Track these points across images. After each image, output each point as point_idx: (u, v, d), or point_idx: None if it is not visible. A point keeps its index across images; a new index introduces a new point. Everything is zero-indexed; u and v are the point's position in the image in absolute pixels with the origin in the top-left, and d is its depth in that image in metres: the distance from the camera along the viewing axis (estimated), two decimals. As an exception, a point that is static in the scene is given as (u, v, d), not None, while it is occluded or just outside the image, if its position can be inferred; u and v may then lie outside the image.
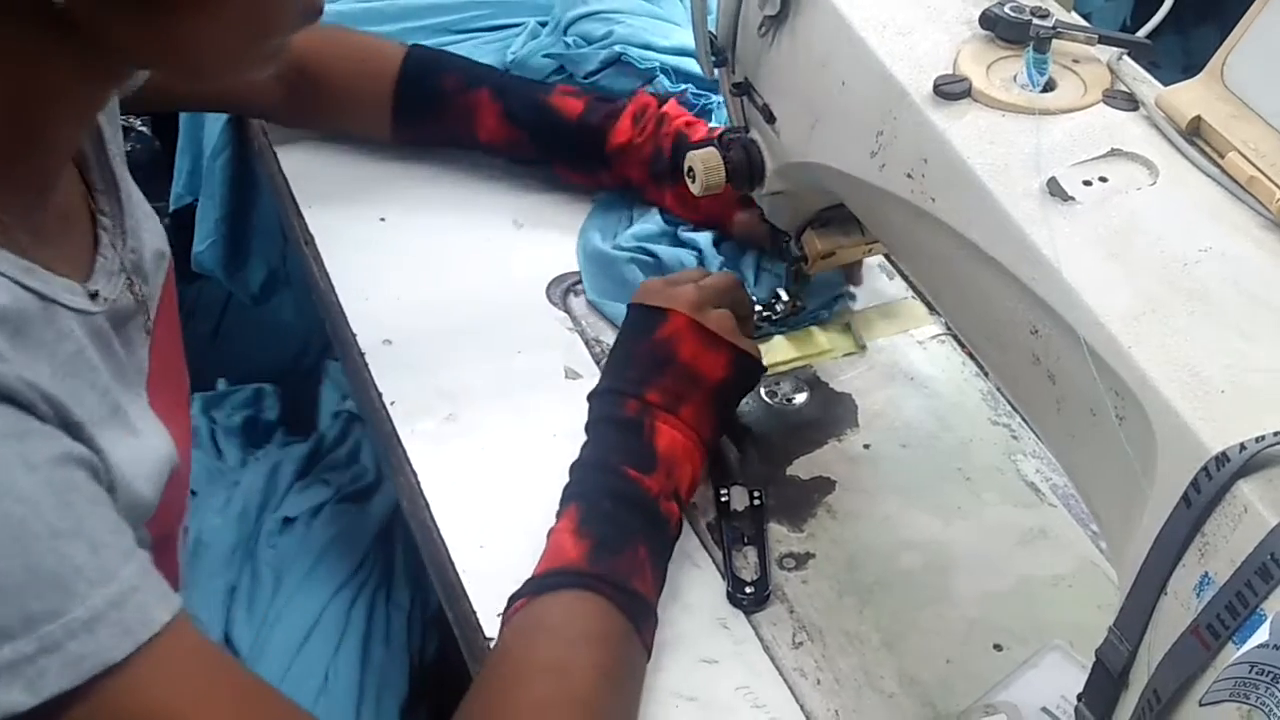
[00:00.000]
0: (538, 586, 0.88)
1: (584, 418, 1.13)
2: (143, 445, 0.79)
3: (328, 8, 1.53)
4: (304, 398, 1.48)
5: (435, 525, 1.04)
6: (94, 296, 0.79)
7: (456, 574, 1.00)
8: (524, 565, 1.00)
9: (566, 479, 0.97)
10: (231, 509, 1.24)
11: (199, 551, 1.20)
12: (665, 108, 1.24)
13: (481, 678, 0.85)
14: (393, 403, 1.13)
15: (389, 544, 1.24)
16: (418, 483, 1.07)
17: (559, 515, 0.94)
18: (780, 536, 1.03)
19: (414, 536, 1.09)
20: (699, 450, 0.98)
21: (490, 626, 0.96)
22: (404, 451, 1.09)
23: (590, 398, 1.02)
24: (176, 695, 0.69)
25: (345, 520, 1.24)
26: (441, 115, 1.25)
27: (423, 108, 1.24)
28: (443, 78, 1.24)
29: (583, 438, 1.11)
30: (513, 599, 0.89)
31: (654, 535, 0.93)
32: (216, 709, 0.71)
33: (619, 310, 1.14)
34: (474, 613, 0.97)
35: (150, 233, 0.92)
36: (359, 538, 1.22)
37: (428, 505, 1.05)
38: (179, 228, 1.74)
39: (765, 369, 1.07)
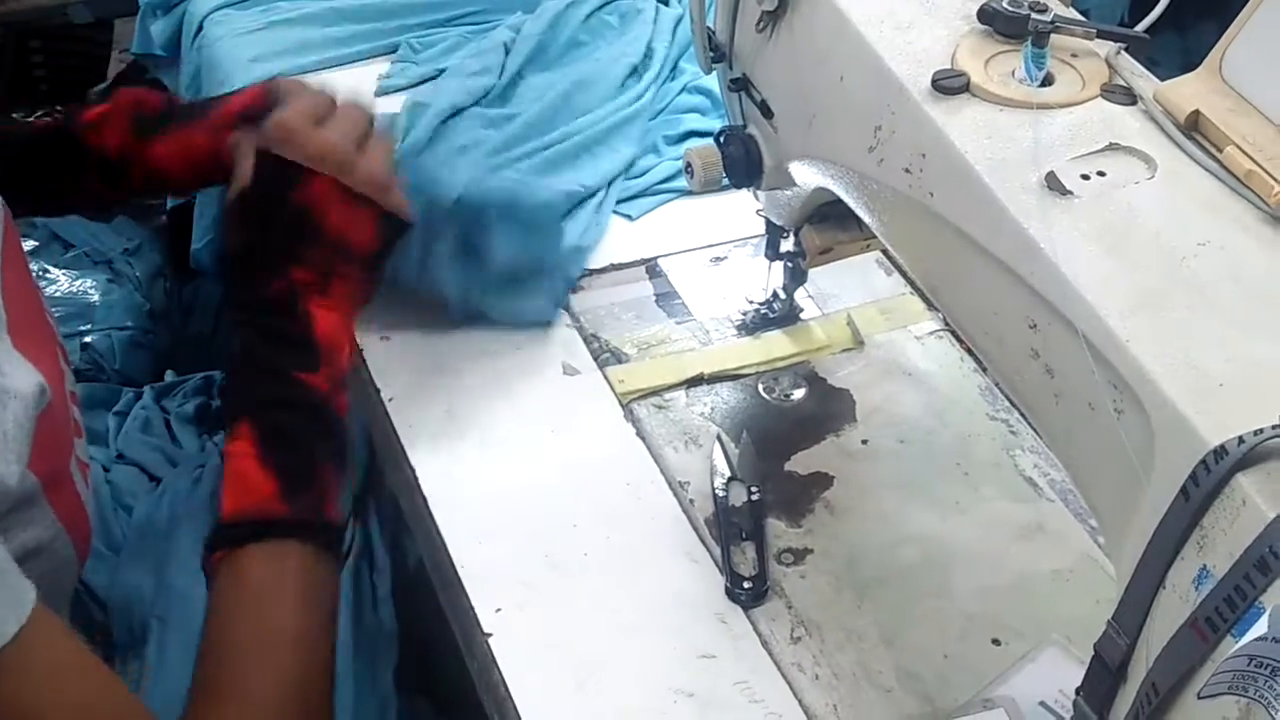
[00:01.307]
0: (236, 536, 0.84)
1: (582, 415, 1.13)
2: (5, 383, 0.78)
3: (328, 4, 1.54)
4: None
5: (433, 521, 1.04)
6: None
7: (455, 569, 1.00)
8: (522, 560, 1.00)
9: (232, 377, 0.91)
10: (201, 490, 1.24)
11: (174, 534, 1.20)
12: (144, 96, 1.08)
13: (201, 655, 0.82)
14: (390, 399, 1.13)
15: (364, 512, 1.24)
16: (415, 479, 1.07)
17: (230, 428, 0.86)
18: (779, 532, 1.03)
19: (387, 505, 1.10)
20: (351, 323, 0.92)
21: (488, 621, 0.96)
22: (401, 447, 1.09)
23: (222, 260, 0.92)
24: (30, 694, 0.70)
25: None
26: None
27: None
28: None
29: (581, 433, 1.12)
30: (211, 545, 0.84)
31: (333, 444, 0.88)
32: (68, 707, 0.72)
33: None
34: (472, 609, 0.97)
35: None
36: None
37: (425, 501, 1.05)
38: (175, 226, 1.74)
39: (412, 225, 0.96)
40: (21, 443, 0.77)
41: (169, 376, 1.52)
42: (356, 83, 1.45)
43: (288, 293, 0.89)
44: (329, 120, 0.94)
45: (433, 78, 1.45)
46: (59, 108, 2.12)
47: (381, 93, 1.46)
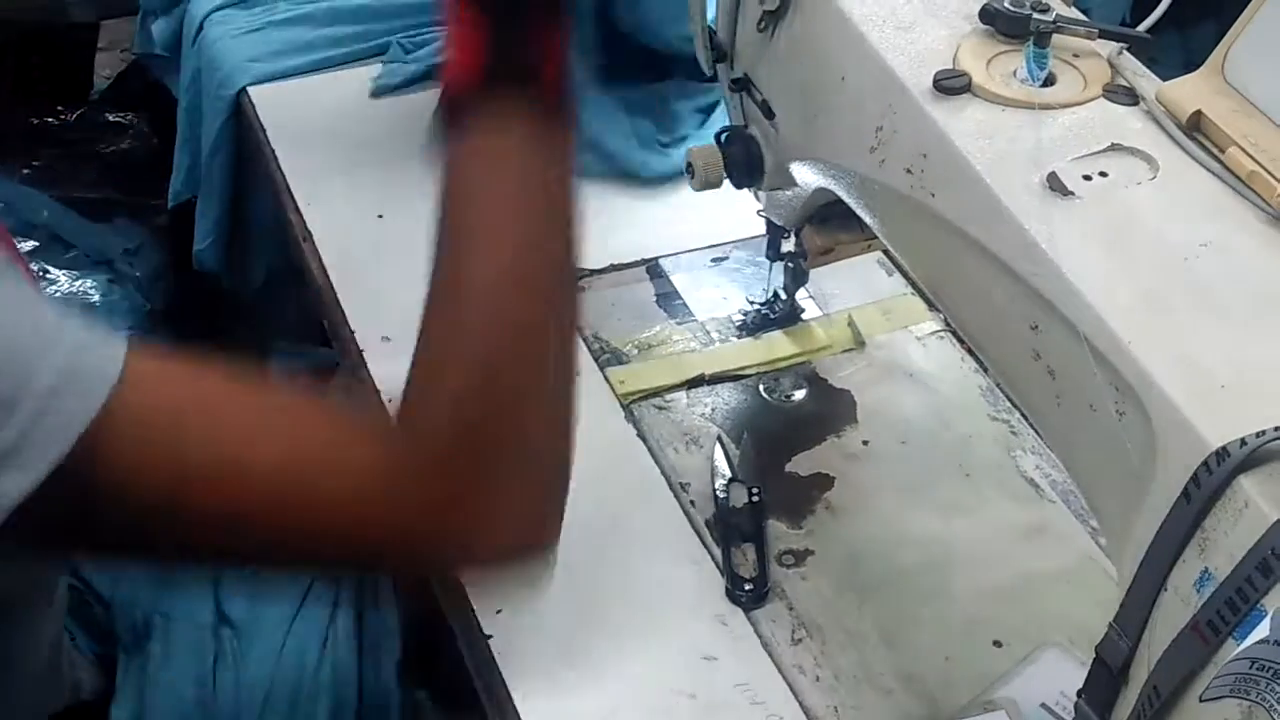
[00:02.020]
0: (462, 111, 0.75)
1: (582, 415, 1.12)
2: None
3: (327, 4, 1.54)
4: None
5: (434, 522, 1.03)
6: None
7: (455, 571, 1.00)
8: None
9: None
10: None
11: None
12: None
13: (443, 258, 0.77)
14: (390, 400, 1.13)
15: None
16: (416, 479, 1.06)
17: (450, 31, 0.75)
18: (779, 533, 1.03)
19: None
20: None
21: (488, 623, 0.96)
22: (402, 448, 1.09)
23: None
24: (167, 401, 0.67)
25: None
26: None
27: None
28: None
29: (581, 433, 1.10)
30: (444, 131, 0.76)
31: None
32: (208, 398, 0.69)
33: None
34: (472, 610, 0.97)
35: None
36: None
37: (426, 502, 1.05)
38: (176, 224, 1.74)
39: None
40: None
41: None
42: (358, 84, 1.46)
43: None
44: None
45: (425, 76, 1.44)
46: (59, 108, 2.11)
47: (375, 94, 1.46)
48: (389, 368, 1.15)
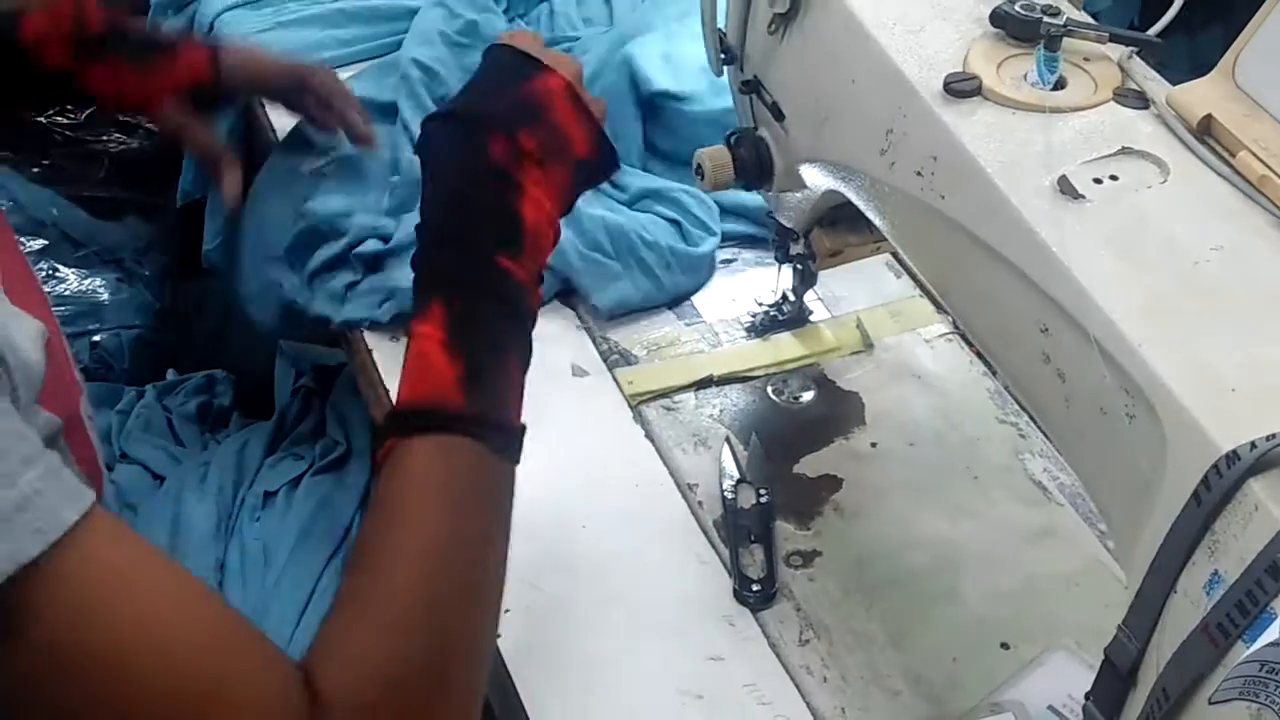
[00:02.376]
0: (407, 424, 0.79)
1: (591, 416, 1.13)
2: (15, 317, 0.77)
3: (336, 6, 1.55)
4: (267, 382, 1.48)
5: (442, 521, 1.03)
6: None
7: (463, 570, 1.00)
8: (531, 559, 1.00)
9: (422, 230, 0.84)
10: (208, 488, 1.24)
11: (181, 532, 1.20)
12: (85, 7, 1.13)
13: (351, 555, 0.78)
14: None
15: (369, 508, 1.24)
16: (425, 479, 1.06)
17: (418, 306, 0.81)
18: (787, 534, 1.03)
19: None
20: (553, 229, 0.86)
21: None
22: (411, 448, 1.09)
23: (437, 119, 0.86)
24: (98, 584, 0.66)
25: (324, 490, 1.24)
26: None
27: None
28: None
29: (590, 434, 1.12)
30: (384, 433, 0.79)
31: (522, 339, 0.83)
32: (138, 595, 0.67)
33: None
34: (481, 609, 0.97)
35: None
36: (342, 506, 1.23)
37: (435, 501, 1.05)
38: (185, 223, 1.74)
39: (618, 166, 0.93)
40: (36, 387, 0.76)
41: (170, 375, 1.52)
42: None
43: (507, 157, 0.83)
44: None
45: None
46: (69, 106, 2.12)
47: None
48: (396, 366, 1.15)
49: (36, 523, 0.64)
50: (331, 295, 1.22)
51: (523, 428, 0.82)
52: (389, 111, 1.36)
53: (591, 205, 1.24)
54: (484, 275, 0.81)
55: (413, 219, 1.14)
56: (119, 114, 1.37)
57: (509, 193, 0.82)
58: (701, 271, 1.25)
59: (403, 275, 1.19)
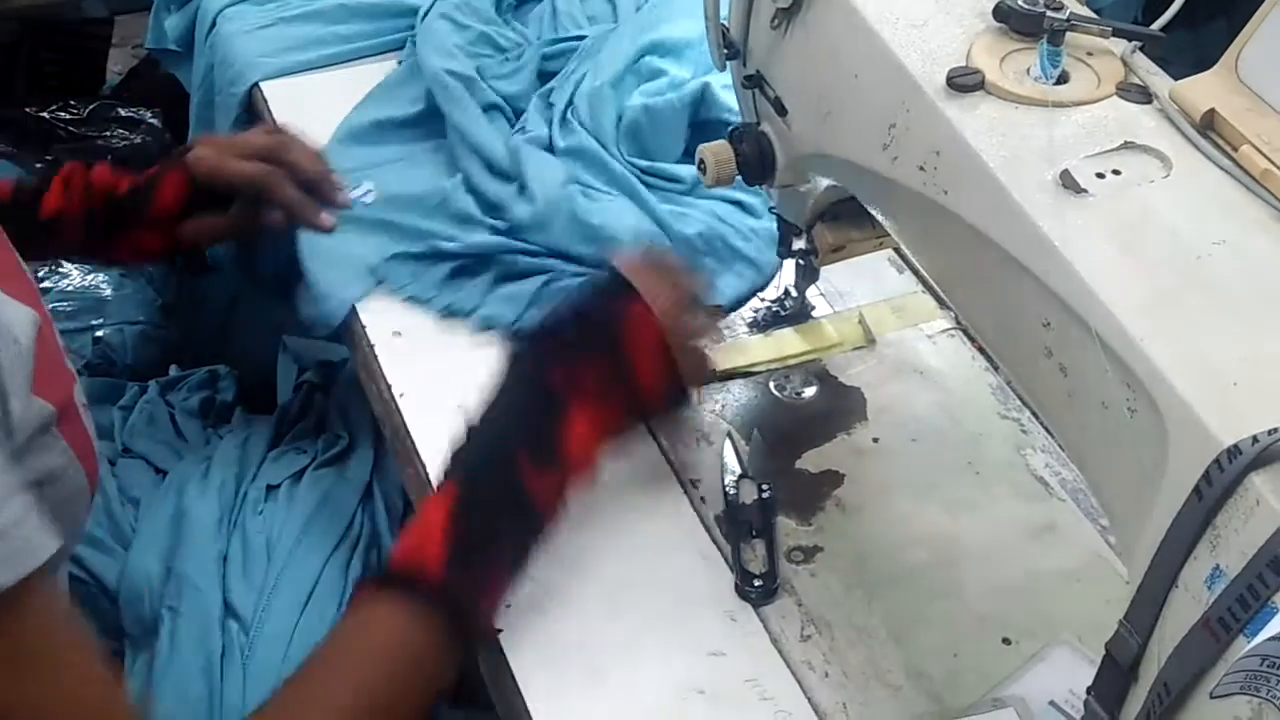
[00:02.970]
0: (389, 578, 0.87)
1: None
2: (6, 306, 0.80)
3: (338, 0, 1.55)
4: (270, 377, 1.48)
5: (444, 516, 1.04)
6: None
7: (465, 565, 1.00)
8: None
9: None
10: (211, 482, 1.25)
11: (184, 524, 1.21)
12: (92, 174, 1.21)
13: (295, 673, 0.84)
14: (402, 394, 1.14)
15: (372, 503, 1.24)
16: (426, 475, 1.07)
17: (443, 480, 0.91)
18: (789, 530, 1.03)
19: (396, 497, 1.14)
20: (598, 450, 0.94)
21: (499, 619, 0.96)
22: (413, 443, 1.09)
23: (519, 336, 0.96)
24: (57, 627, 0.71)
25: (327, 484, 1.25)
26: None
27: None
28: None
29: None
30: (364, 580, 0.88)
31: (522, 545, 0.91)
32: (46, 682, 0.73)
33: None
34: (482, 604, 0.97)
35: None
36: (344, 500, 1.23)
37: (437, 496, 1.05)
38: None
39: (688, 405, 1.02)
40: (28, 371, 0.78)
41: (173, 371, 1.52)
42: (370, 79, 1.46)
43: (564, 384, 0.92)
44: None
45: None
46: (72, 102, 2.12)
47: None
48: (400, 363, 1.16)
49: (11, 552, 0.69)
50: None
51: (492, 629, 0.90)
52: (411, 124, 1.38)
53: (663, 206, 1.25)
54: (505, 480, 0.89)
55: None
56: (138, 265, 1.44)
57: (555, 413, 0.91)
58: (776, 244, 1.23)
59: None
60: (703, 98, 1.31)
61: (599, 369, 0.93)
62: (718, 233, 1.23)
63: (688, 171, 1.28)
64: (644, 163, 1.29)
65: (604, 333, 0.95)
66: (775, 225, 1.20)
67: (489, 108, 1.36)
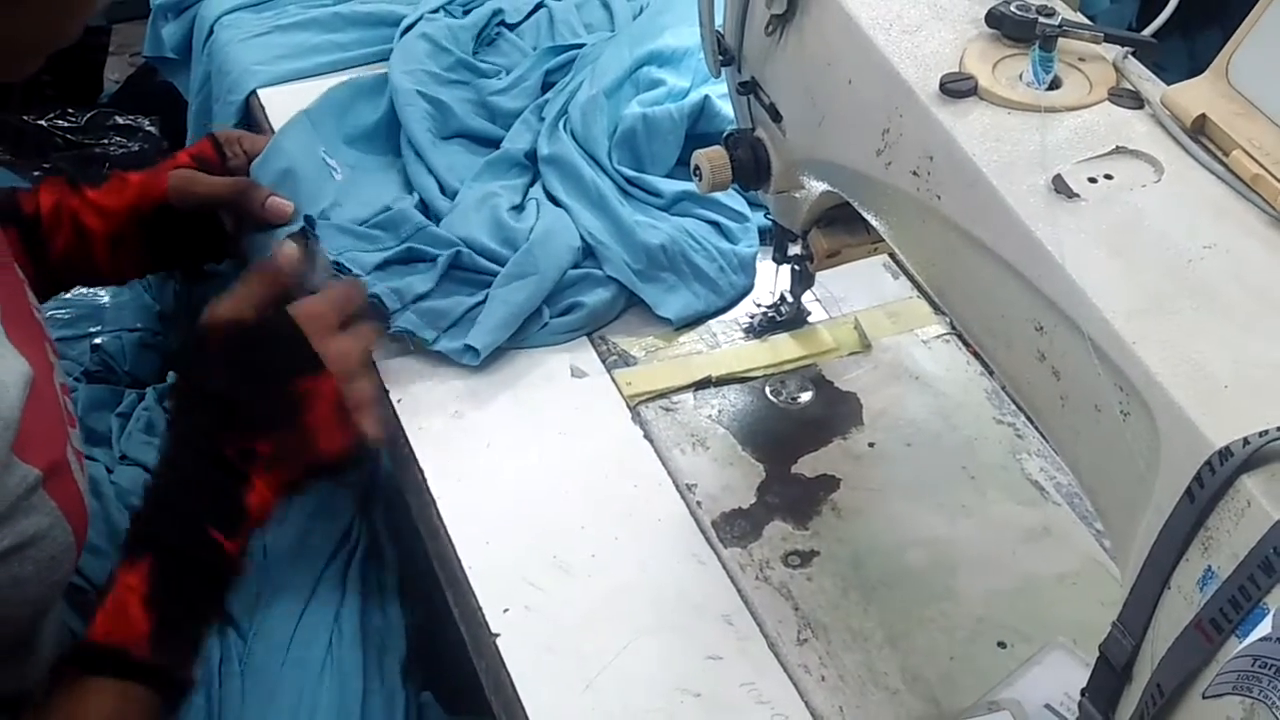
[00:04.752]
0: (96, 662, 0.87)
1: (590, 417, 1.13)
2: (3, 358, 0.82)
3: (334, 9, 1.55)
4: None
5: (442, 522, 1.04)
6: None
7: (463, 570, 1.00)
8: (529, 561, 1.01)
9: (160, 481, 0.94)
10: None
11: None
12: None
13: None
14: (399, 400, 1.14)
15: (369, 510, 1.24)
16: (424, 480, 1.07)
17: (130, 554, 0.91)
18: (785, 534, 1.04)
19: (395, 503, 1.14)
20: (277, 507, 0.97)
21: (496, 622, 0.96)
22: (411, 449, 1.10)
23: (195, 389, 0.96)
24: None
25: (324, 492, 1.25)
26: None
27: None
28: None
29: (589, 435, 1.12)
30: (67, 659, 0.88)
31: (220, 599, 0.94)
32: None
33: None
34: (480, 609, 0.98)
35: None
36: (341, 507, 1.23)
37: (434, 502, 1.06)
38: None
39: (357, 466, 1.06)
40: (7, 441, 0.79)
41: (171, 378, 1.52)
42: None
43: (243, 456, 0.93)
44: (352, 324, 1.02)
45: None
46: (69, 110, 2.12)
47: None
48: (394, 363, 1.16)
49: None
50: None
51: (193, 683, 0.92)
52: (374, 136, 1.38)
53: (635, 214, 1.25)
54: (197, 549, 0.91)
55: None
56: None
57: (237, 485, 0.93)
58: (752, 270, 1.25)
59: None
60: (702, 110, 1.31)
61: (277, 442, 0.95)
62: (681, 248, 1.22)
63: (670, 186, 1.28)
64: (631, 173, 1.29)
65: (283, 406, 0.96)
66: (753, 252, 1.24)
67: (457, 135, 1.37)
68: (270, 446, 0.94)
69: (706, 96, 1.31)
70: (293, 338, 0.97)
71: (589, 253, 1.23)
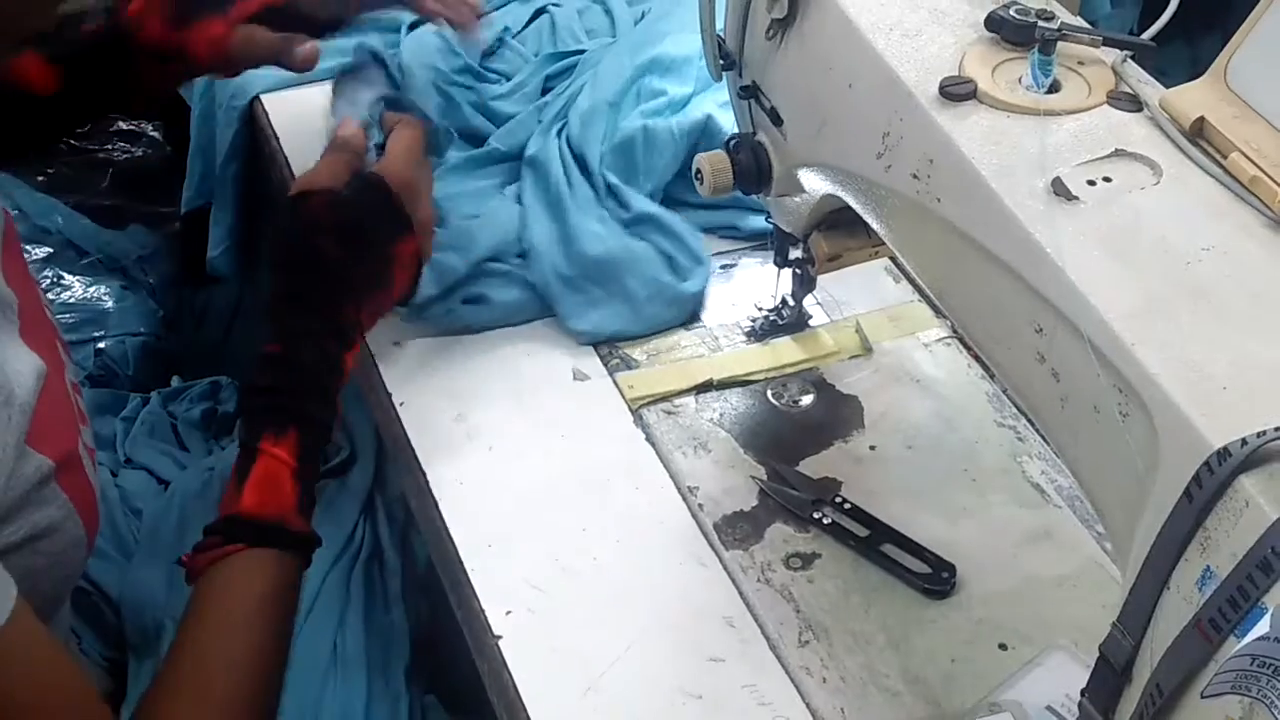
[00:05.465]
0: (258, 535, 0.88)
1: (592, 420, 1.14)
2: (14, 355, 0.83)
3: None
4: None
5: (444, 524, 1.04)
6: None
7: (465, 573, 1.01)
8: (532, 564, 1.01)
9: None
10: (211, 493, 1.25)
11: (186, 535, 1.21)
12: None
13: (183, 636, 0.86)
14: (402, 404, 1.14)
15: (373, 513, 1.25)
16: (427, 483, 1.07)
17: (277, 428, 0.91)
18: (787, 536, 1.04)
19: (397, 506, 1.15)
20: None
21: (498, 624, 0.97)
22: (413, 452, 1.10)
23: (314, 258, 0.97)
24: (14, 684, 0.73)
25: (329, 494, 1.25)
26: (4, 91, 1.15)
27: None
28: None
29: (591, 438, 1.12)
30: (224, 534, 0.88)
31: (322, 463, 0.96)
32: (51, 699, 0.76)
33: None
34: (482, 611, 0.98)
35: None
36: (346, 511, 1.23)
37: (437, 505, 1.06)
38: (189, 231, 1.75)
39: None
40: (22, 428, 0.80)
41: (175, 382, 1.53)
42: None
43: (352, 323, 0.97)
44: (421, 173, 1.06)
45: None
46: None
47: None
48: (399, 372, 1.17)
49: None
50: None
51: (320, 542, 0.93)
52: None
53: (589, 220, 1.24)
54: (326, 414, 0.94)
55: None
56: (217, 74, 1.39)
57: (345, 349, 0.96)
58: (686, 308, 1.23)
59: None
60: (705, 129, 1.30)
61: (374, 303, 1.00)
62: (618, 266, 1.20)
63: (640, 204, 1.26)
64: (614, 180, 1.28)
65: (383, 267, 1.00)
66: (696, 292, 1.23)
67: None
68: (370, 311, 0.99)
69: (709, 115, 1.30)
70: (389, 206, 1.01)
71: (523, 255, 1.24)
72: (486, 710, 0.98)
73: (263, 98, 1.47)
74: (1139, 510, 0.65)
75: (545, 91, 1.42)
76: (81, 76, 1.16)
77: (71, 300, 1.67)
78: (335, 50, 1.52)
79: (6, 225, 0.93)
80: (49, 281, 1.68)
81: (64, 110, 1.19)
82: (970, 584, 1.01)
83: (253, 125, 1.47)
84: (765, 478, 1.08)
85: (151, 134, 2.11)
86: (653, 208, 1.26)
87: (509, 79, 1.45)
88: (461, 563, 1.01)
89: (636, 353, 1.19)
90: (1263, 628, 0.57)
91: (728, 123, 1.25)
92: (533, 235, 1.23)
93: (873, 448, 1.12)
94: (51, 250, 1.74)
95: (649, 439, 1.12)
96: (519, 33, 1.53)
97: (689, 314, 1.23)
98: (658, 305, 1.21)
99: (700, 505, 1.06)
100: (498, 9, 1.54)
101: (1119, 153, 0.76)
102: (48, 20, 0.90)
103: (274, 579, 0.88)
